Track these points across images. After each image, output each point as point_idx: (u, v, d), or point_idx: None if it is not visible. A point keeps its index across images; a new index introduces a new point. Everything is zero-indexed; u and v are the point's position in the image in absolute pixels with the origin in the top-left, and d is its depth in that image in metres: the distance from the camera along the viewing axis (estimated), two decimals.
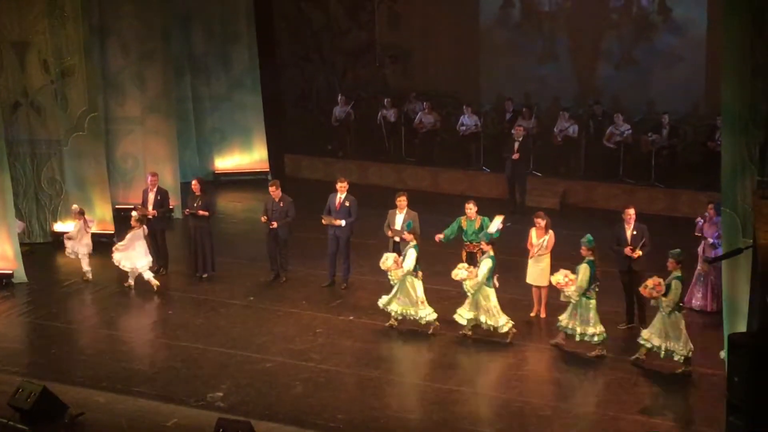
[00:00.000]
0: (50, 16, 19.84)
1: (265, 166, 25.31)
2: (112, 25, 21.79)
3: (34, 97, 20.20)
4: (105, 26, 21.76)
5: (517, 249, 16.86)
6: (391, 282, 15.92)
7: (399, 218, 16.93)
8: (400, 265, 15.77)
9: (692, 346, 14.40)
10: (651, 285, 14.40)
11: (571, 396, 14.13)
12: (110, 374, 14.72)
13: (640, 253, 15.64)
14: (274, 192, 17.99)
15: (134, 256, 17.88)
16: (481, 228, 16.48)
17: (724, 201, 13.45)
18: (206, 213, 18.19)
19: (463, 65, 25.78)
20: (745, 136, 12.92)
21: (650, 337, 14.52)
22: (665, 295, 14.33)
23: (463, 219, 16.62)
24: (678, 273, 14.48)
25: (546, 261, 16.22)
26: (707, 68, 22.68)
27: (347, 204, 17.67)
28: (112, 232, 20.33)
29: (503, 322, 15.46)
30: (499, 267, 15.64)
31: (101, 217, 20.48)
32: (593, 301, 14.95)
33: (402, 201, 17.03)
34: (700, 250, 16.65)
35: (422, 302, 15.85)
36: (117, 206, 21.45)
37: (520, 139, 22.12)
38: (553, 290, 16.12)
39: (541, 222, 16.23)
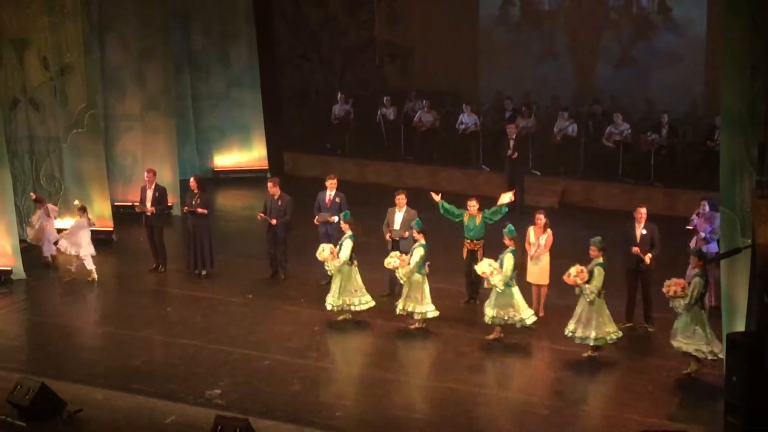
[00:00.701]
0: (50, 12, 19.81)
1: (264, 164, 25.32)
2: (111, 21, 21.79)
3: (33, 94, 20.19)
4: (104, 23, 21.76)
5: (518, 248, 16.80)
6: (329, 272, 16.24)
7: (398, 216, 16.96)
8: (336, 255, 16.01)
9: (613, 330, 14.69)
10: (574, 272, 14.61)
11: (571, 394, 14.12)
12: (108, 371, 14.72)
13: (650, 256, 15.66)
14: (272, 188, 18.00)
15: (78, 244, 18.31)
16: (482, 225, 16.53)
17: (723, 201, 13.45)
18: (205, 211, 18.17)
19: (463, 64, 25.78)
20: (744, 135, 12.91)
21: (571, 325, 14.80)
22: (588, 281, 14.54)
23: (465, 214, 16.63)
24: (600, 260, 14.73)
25: (545, 260, 16.24)
26: (707, 68, 22.70)
27: (338, 200, 17.70)
28: (111, 229, 20.37)
29: (430, 309, 15.77)
30: None
31: (100, 214, 20.47)
32: (515, 288, 15.30)
33: (401, 199, 17.05)
34: (692, 244, 16.62)
35: (356, 290, 16.14)
36: (116, 203, 21.49)
37: (514, 137, 22.12)
38: (553, 289, 16.16)
39: (542, 220, 16.26)
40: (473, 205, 16.60)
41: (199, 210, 18.11)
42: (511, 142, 22.06)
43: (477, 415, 13.53)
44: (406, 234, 16.67)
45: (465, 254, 16.71)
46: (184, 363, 15.00)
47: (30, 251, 19.27)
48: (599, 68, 24.51)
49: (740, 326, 12.90)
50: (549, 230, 16.30)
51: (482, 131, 24.41)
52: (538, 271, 16.25)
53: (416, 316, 15.83)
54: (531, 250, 16.27)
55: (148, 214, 18.64)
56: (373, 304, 16.28)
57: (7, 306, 17.36)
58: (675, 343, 14.25)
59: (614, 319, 15.35)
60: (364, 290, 16.27)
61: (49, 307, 17.38)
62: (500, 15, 25.43)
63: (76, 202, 18.93)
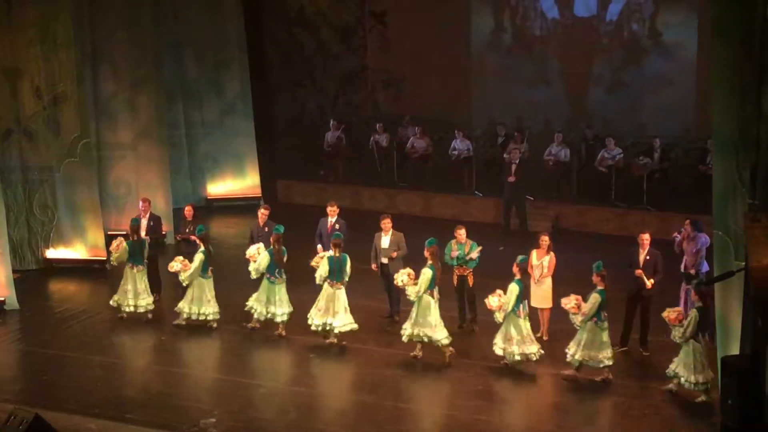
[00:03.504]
0: (42, 42, 19.87)
1: (257, 192, 25.32)
2: (104, 51, 21.84)
3: (26, 123, 20.20)
4: (97, 52, 21.82)
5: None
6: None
7: (385, 240, 17.14)
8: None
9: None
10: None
11: (571, 418, 14.11)
12: (102, 401, 14.65)
13: (653, 281, 15.68)
14: (263, 215, 18.04)
15: None
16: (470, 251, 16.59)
17: (716, 224, 13.50)
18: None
19: (455, 90, 25.87)
20: (736, 158, 12.97)
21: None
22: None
23: (453, 243, 16.68)
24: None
25: (548, 283, 16.34)
26: (698, 92, 22.80)
27: (338, 227, 17.73)
28: (105, 258, 20.33)
29: (211, 311, 17.06)
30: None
31: (94, 244, 20.48)
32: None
33: (386, 223, 17.23)
34: (683, 267, 16.62)
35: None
36: (109, 232, 21.40)
37: (517, 161, 22.19)
38: (555, 313, 16.13)
39: (546, 242, 16.33)
40: (461, 233, 16.68)
41: (192, 238, 18.10)
42: (513, 167, 22.14)
43: None
44: (394, 254, 16.87)
45: (455, 281, 16.75)
46: (178, 392, 14.96)
47: (24, 282, 19.25)
48: (591, 93, 24.60)
49: (735, 349, 12.90)
50: (552, 253, 16.36)
51: (475, 157, 24.47)
52: (542, 294, 16.30)
53: (200, 317, 17.02)
54: (535, 273, 16.31)
55: None
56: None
57: (0, 336, 17.31)
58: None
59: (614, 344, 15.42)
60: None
61: (43, 337, 17.31)
62: (492, 41, 25.54)
63: None
